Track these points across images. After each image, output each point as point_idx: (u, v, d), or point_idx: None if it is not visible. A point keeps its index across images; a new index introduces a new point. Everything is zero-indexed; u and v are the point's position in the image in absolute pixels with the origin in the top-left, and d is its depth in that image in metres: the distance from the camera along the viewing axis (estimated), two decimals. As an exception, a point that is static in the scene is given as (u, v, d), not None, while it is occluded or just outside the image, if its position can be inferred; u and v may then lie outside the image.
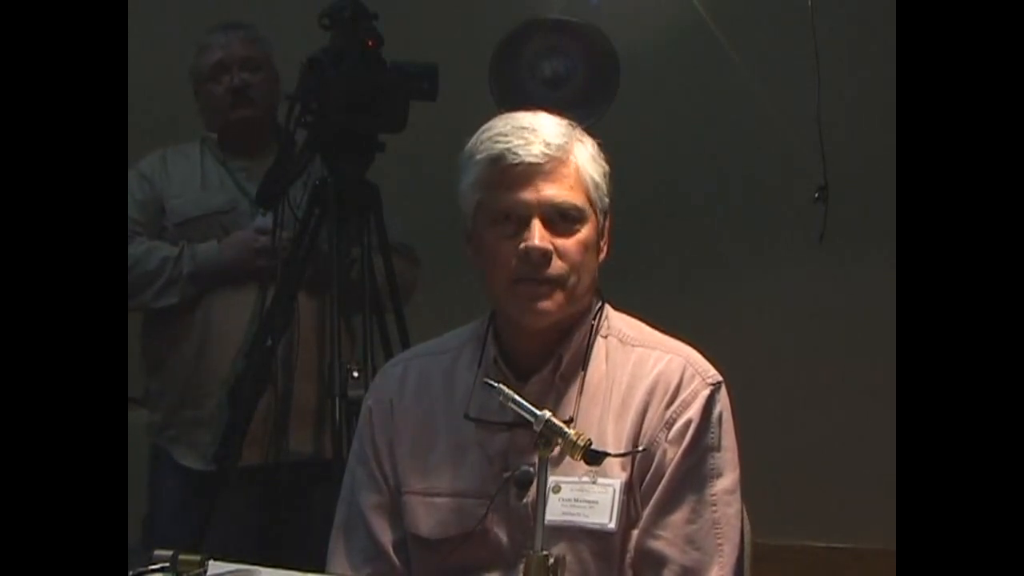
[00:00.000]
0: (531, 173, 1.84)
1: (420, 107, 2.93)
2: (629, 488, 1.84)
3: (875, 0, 3.32)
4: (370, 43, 2.90)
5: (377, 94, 2.89)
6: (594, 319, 1.93)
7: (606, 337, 1.93)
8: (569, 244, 1.85)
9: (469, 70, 3.08)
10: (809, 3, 2.90)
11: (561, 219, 1.85)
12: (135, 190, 3.15)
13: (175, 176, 3.19)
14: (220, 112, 3.18)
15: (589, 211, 1.88)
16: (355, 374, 2.77)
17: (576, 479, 1.82)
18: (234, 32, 3.20)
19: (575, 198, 1.86)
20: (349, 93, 2.88)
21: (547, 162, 1.84)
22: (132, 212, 3.12)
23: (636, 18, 3.46)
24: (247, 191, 3.15)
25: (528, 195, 1.84)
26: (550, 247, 1.84)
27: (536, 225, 1.84)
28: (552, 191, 1.85)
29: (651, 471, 1.84)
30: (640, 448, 1.84)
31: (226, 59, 3.16)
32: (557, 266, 1.84)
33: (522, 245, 1.83)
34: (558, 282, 1.85)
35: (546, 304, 1.85)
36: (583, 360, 1.90)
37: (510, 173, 1.85)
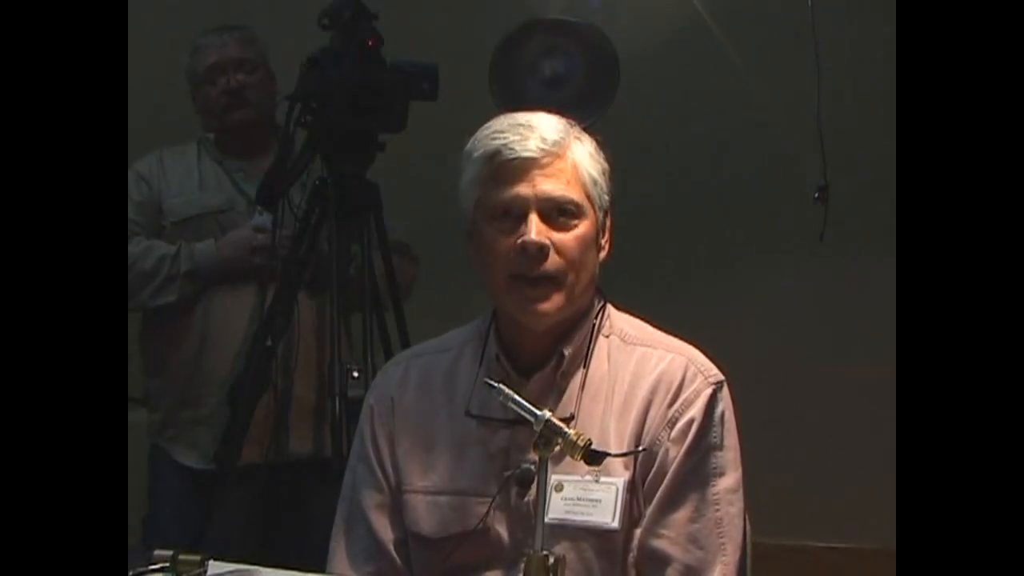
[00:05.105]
0: (527, 168, 1.85)
1: (420, 107, 2.93)
2: (632, 487, 1.84)
3: (875, 0, 3.32)
4: (370, 43, 2.90)
5: (377, 94, 2.89)
6: (596, 318, 1.94)
7: (608, 336, 1.93)
8: (567, 240, 1.85)
9: (469, 70, 3.08)
10: (809, 3, 2.89)
11: (559, 214, 1.86)
12: (132, 191, 3.16)
13: (172, 176, 3.20)
14: (216, 114, 3.19)
15: (587, 207, 1.88)
16: (355, 374, 2.77)
17: (579, 477, 1.82)
18: (229, 34, 3.20)
19: (572, 193, 1.86)
20: (349, 93, 2.88)
21: (543, 157, 1.85)
22: (130, 212, 3.13)
23: (636, 18, 3.46)
24: (244, 191, 3.16)
25: (524, 190, 1.85)
26: (547, 242, 1.84)
27: (533, 220, 1.84)
28: (549, 186, 1.85)
29: (654, 470, 1.85)
30: (641, 447, 1.85)
31: (221, 61, 3.17)
32: (554, 262, 1.85)
33: (519, 240, 1.84)
34: (556, 280, 1.85)
35: (545, 306, 1.85)
36: (585, 359, 1.90)
37: (506, 168, 1.85)
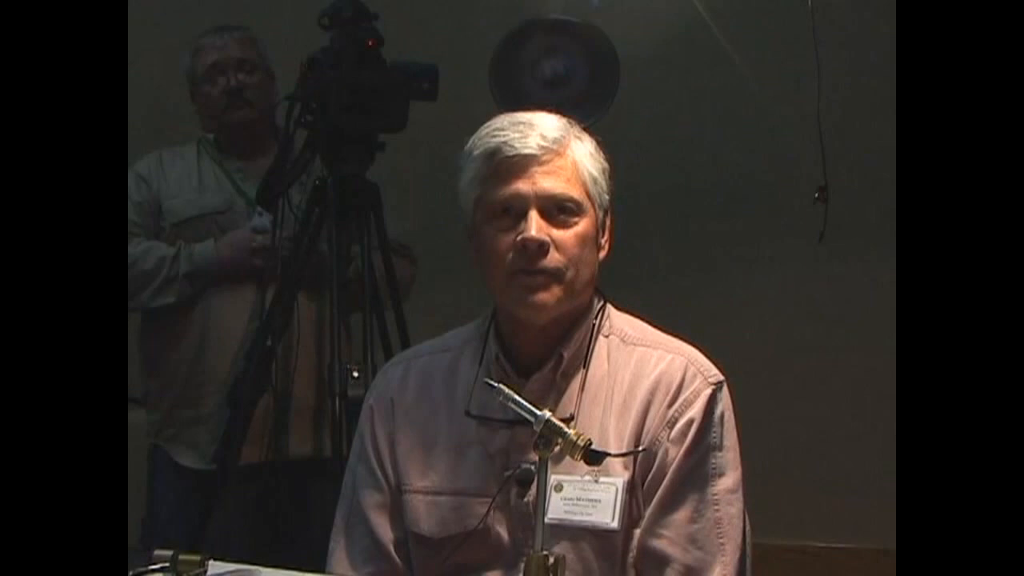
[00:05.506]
0: (527, 165, 1.85)
1: (420, 107, 2.94)
2: (631, 487, 1.84)
3: (875, 0, 3.33)
4: (370, 43, 2.90)
5: (377, 94, 2.90)
6: (596, 318, 1.94)
7: (608, 336, 1.93)
8: (567, 237, 1.86)
9: (469, 70, 3.08)
10: (809, 3, 2.90)
11: (558, 211, 1.86)
12: (132, 191, 3.16)
13: (172, 177, 3.20)
14: (216, 114, 3.18)
15: (587, 205, 1.88)
16: (355, 374, 2.77)
17: (578, 478, 1.82)
18: (229, 34, 3.20)
19: (572, 190, 1.86)
20: (349, 93, 2.88)
21: (543, 154, 1.85)
22: (129, 213, 3.13)
23: (636, 18, 3.46)
24: (244, 191, 3.16)
25: (524, 186, 1.85)
26: (547, 239, 1.84)
27: (533, 217, 1.84)
28: (549, 183, 1.85)
29: (653, 470, 1.85)
30: (641, 447, 1.85)
31: (221, 61, 3.17)
32: (554, 258, 1.85)
33: (519, 237, 1.84)
34: (555, 275, 1.85)
35: (543, 297, 1.85)
36: (584, 359, 1.90)
37: (506, 165, 1.85)
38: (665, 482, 1.84)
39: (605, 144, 1.94)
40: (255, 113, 3.18)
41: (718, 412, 1.87)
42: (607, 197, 1.92)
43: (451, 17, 3.88)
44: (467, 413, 1.91)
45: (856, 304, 3.75)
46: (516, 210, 1.86)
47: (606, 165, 1.93)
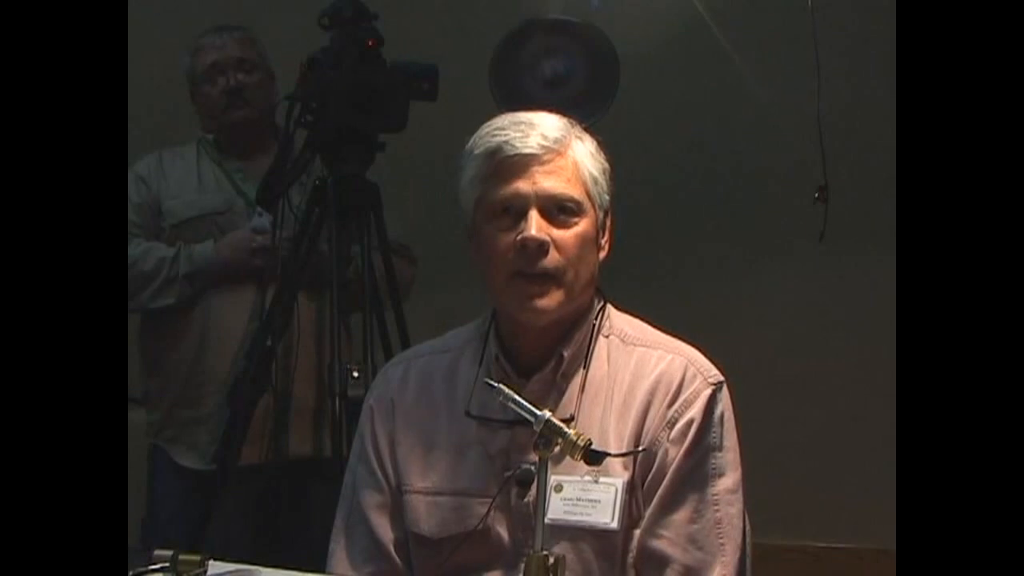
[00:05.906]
0: (528, 164, 1.85)
1: (420, 107, 2.94)
2: (631, 487, 1.84)
3: (875, 0, 3.33)
4: (370, 43, 2.90)
5: (377, 94, 2.90)
6: (596, 318, 1.94)
7: (608, 336, 1.93)
8: (567, 237, 1.86)
9: (469, 70, 3.08)
10: (809, 3, 2.89)
11: (559, 211, 1.86)
12: (132, 192, 3.16)
13: (171, 177, 3.21)
14: (216, 114, 3.19)
15: (588, 205, 1.88)
16: (355, 374, 2.77)
17: (578, 478, 1.82)
18: (229, 34, 3.21)
19: (573, 190, 1.86)
20: (349, 93, 2.88)
21: (544, 154, 1.85)
22: (129, 214, 3.13)
23: (636, 18, 3.46)
24: (244, 192, 3.16)
25: (525, 186, 1.85)
26: (547, 239, 1.84)
27: (533, 216, 1.84)
28: (549, 183, 1.85)
29: (653, 470, 1.85)
30: (641, 448, 1.85)
31: (221, 61, 3.17)
32: (554, 259, 1.85)
33: (519, 236, 1.84)
34: (555, 277, 1.85)
35: (544, 302, 1.85)
36: (585, 359, 1.90)
37: (507, 165, 1.85)
38: (665, 482, 1.84)
39: (605, 144, 1.94)
40: (255, 113, 3.19)
41: (718, 412, 1.87)
42: (607, 197, 1.92)
43: (451, 17, 3.88)
44: (467, 413, 1.91)
45: (856, 304, 3.75)
46: (516, 210, 1.86)
47: (606, 165, 1.93)
